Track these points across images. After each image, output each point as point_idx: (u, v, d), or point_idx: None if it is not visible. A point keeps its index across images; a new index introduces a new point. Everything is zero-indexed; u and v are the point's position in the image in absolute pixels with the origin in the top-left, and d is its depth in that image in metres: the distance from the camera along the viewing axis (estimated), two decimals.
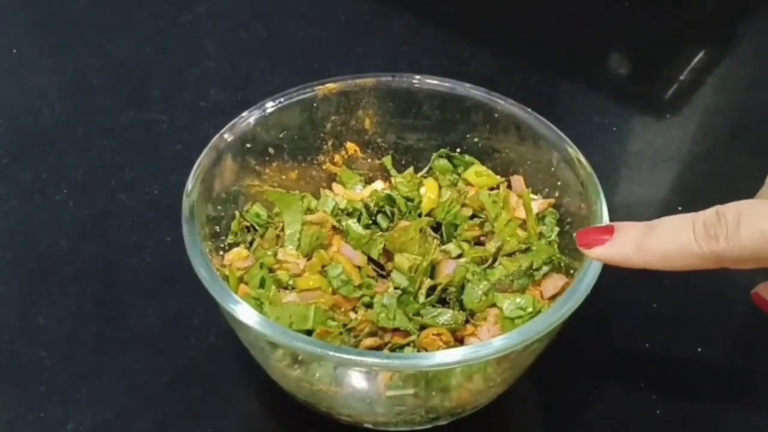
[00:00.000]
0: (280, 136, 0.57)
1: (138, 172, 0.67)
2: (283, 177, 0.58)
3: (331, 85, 0.57)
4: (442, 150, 0.60)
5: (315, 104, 0.57)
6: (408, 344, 0.50)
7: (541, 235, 0.56)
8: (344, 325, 0.51)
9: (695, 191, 0.68)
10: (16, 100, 0.74)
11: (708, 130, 0.74)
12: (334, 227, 0.56)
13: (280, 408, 0.54)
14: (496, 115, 0.57)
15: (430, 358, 0.45)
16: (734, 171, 0.69)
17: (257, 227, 0.56)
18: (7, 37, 0.80)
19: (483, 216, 0.57)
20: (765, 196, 0.47)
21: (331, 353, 0.44)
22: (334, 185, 0.59)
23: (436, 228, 0.57)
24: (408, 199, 0.58)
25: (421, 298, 0.52)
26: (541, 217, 0.56)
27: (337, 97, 0.58)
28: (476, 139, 0.59)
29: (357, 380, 0.47)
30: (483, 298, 0.52)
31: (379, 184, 0.60)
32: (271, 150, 0.57)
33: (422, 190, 0.58)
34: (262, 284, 0.52)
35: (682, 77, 0.78)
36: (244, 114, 0.55)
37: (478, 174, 0.59)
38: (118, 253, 0.62)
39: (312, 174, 0.59)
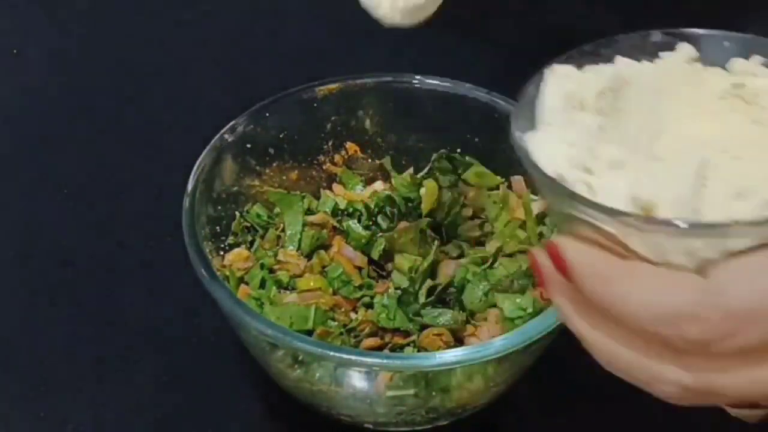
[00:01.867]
0: (280, 136, 0.57)
1: (138, 172, 0.67)
2: (284, 177, 0.58)
3: (331, 85, 0.58)
4: (442, 150, 0.60)
5: (315, 104, 0.57)
6: (408, 344, 0.50)
7: (541, 235, 0.56)
8: (344, 326, 0.51)
9: None
10: (16, 100, 0.74)
11: None
12: (334, 228, 0.56)
13: (280, 408, 0.54)
14: (496, 115, 0.57)
15: (430, 359, 0.45)
16: None
17: (258, 228, 0.56)
18: (7, 37, 0.80)
19: (483, 216, 0.57)
20: None
21: (332, 353, 0.44)
22: (335, 185, 0.59)
23: (437, 228, 0.57)
24: (408, 199, 0.58)
25: (422, 299, 0.52)
26: (541, 218, 0.56)
27: (337, 97, 0.58)
28: (476, 140, 0.59)
29: (357, 380, 0.47)
30: (483, 298, 0.52)
31: (379, 185, 0.60)
32: (271, 150, 0.57)
33: (422, 190, 0.58)
34: (262, 285, 0.52)
35: None
36: (245, 114, 0.55)
37: (478, 175, 0.59)
38: (118, 253, 0.62)
39: (312, 174, 0.59)
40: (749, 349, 0.30)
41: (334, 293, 0.52)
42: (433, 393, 0.48)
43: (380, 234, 0.56)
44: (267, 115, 0.56)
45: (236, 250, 0.54)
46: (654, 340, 0.31)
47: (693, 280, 0.30)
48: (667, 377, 0.32)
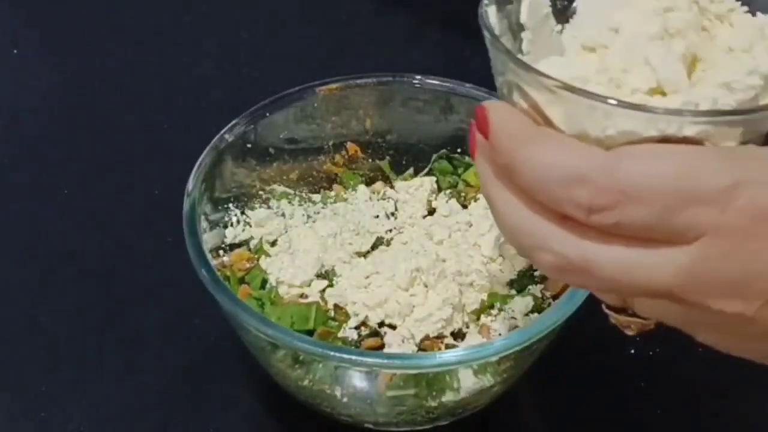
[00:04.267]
0: (281, 136, 0.57)
1: (138, 172, 0.67)
2: (284, 177, 0.58)
3: (331, 85, 0.57)
4: (442, 151, 0.60)
5: (315, 104, 0.57)
6: None
7: None
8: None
9: None
10: (16, 100, 0.74)
11: None
12: None
13: (280, 408, 0.54)
14: None
15: (430, 358, 0.45)
16: None
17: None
18: (7, 37, 0.80)
19: None
20: None
21: (332, 353, 0.44)
22: (335, 186, 0.59)
23: None
24: None
25: None
26: None
27: (337, 97, 0.58)
28: None
29: (358, 380, 0.47)
30: (483, 298, 0.52)
31: (379, 185, 0.60)
32: (271, 150, 0.57)
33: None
34: (263, 285, 0.52)
35: None
36: (245, 114, 0.55)
37: (478, 175, 0.58)
38: (118, 254, 0.62)
39: (312, 174, 0.59)
40: (627, 229, 0.31)
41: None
42: (433, 393, 0.48)
43: None
44: (267, 115, 0.56)
45: (237, 251, 0.54)
46: (547, 207, 0.33)
47: (595, 151, 0.32)
48: (549, 244, 0.33)
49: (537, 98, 0.34)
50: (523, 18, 0.38)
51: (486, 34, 0.37)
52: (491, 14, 0.38)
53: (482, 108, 0.35)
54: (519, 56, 0.36)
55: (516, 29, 0.39)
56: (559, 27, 0.39)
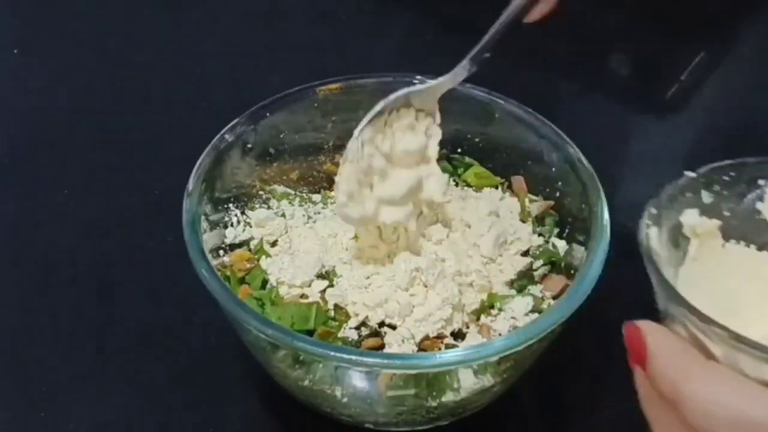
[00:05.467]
0: (281, 136, 0.57)
1: (138, 172, 0.67)
2: (284, 177, 0.58)
3: (331, 85, 0.57)
4: (442, 150, 0.59)
5: (315, 104, 0.57)
6: None
7: (539, 236, 0.56)
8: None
9: None
10: (16, 100, 0.74)
11: (708, 130, 0.74)
12: None
13: (280, 408, 0.54)
14: (496, 115, 0.57)
15: (430, 359, 0.45)
16: None
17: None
18: (7, 37, 0.80)
19: None
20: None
21: (332, 353, 0.44)
22: (335, 186, 0.59)
23: None
24: None
25: None
26: (540, 219, 0.56)
27: (337, 97, 0.58)
28: (476, 140, 0.59)
29: (358, 380, 0.47)
30: (483, 298, 0.52)
31: None
32: (271, 150, 0.57)
33: None
34: (263, 285, 0.52)
35: (682, 77, 0.78)
36: (245, 114, 0.55)
37: (477, 175, 0.59)
38: (118, 253, 0.62)
39: (312, 174, 0.59)
40: None
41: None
42: (433, 393, 0.48)
43: None
44: (267, 115, 0.56)
45: (237, 251, 0.54)
46: None
47: (764, 394, 0.32)
48: None
49: (700, 336, 0.34)
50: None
51: (648, 261, 0.36)
52: (653, 237, 0.37)
53: (637, 330, 0.35)
54: (681, 292, 0.35)
55: (678, 236, 0.38)
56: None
